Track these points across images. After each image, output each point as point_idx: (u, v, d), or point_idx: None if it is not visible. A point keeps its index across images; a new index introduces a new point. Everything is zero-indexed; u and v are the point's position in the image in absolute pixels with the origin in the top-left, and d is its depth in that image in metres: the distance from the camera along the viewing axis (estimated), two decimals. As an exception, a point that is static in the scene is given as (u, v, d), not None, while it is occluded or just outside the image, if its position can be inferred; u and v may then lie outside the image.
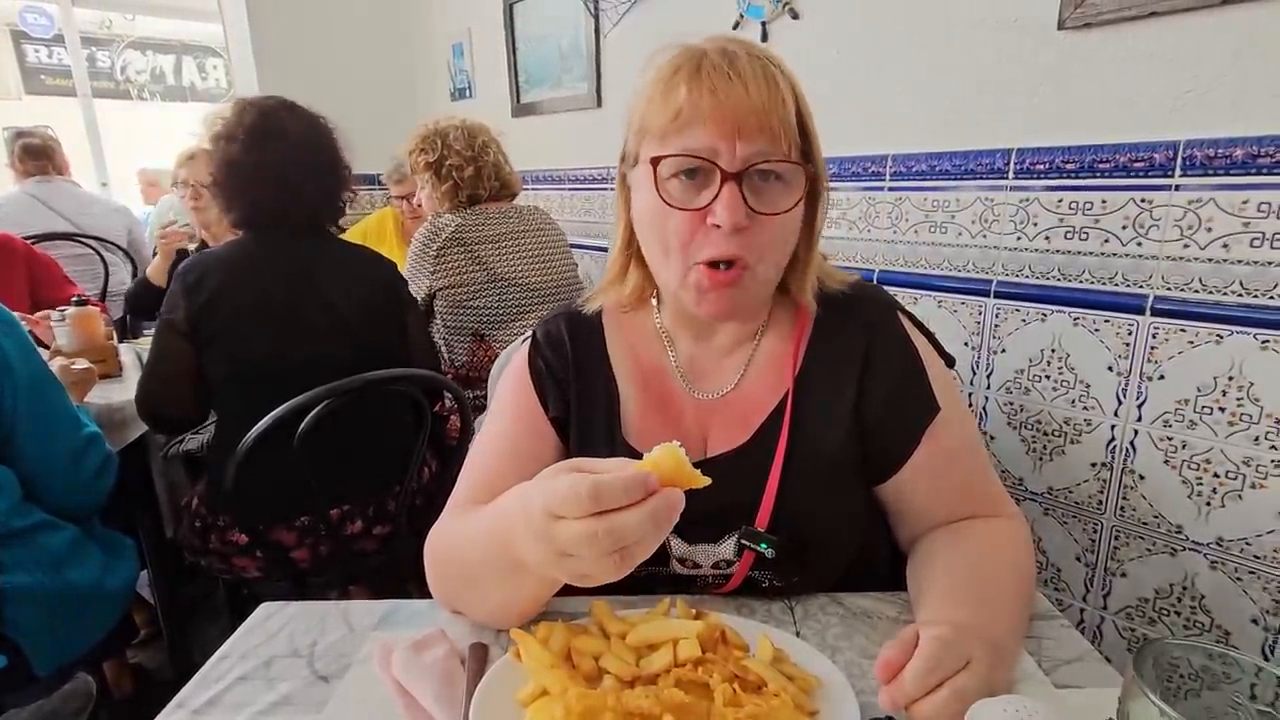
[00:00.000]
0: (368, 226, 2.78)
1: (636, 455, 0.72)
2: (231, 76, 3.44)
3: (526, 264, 1.92)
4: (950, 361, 0.78)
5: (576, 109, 2.49)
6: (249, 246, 1.41)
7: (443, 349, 1.94)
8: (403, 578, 1.58)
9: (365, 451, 1.43)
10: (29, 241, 2.25)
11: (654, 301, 0.80)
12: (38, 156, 2.69)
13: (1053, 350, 1.29)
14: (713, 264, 0.66)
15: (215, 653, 0.68)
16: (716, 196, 0.63)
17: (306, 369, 1.31)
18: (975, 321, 1.39)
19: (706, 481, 0.49)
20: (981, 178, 1.35)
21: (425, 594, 0.74)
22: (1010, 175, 1.31)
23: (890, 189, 1.51)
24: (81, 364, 1.50)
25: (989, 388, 1.39)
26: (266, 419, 1.22)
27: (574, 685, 0.56)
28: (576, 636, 0.62)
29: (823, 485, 0.70)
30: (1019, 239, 1.31)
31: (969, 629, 0.54)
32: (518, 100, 2.77)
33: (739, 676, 0.57)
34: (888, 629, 0.69)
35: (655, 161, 0.65)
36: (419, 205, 2.58)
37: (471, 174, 1.87)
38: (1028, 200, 1.29)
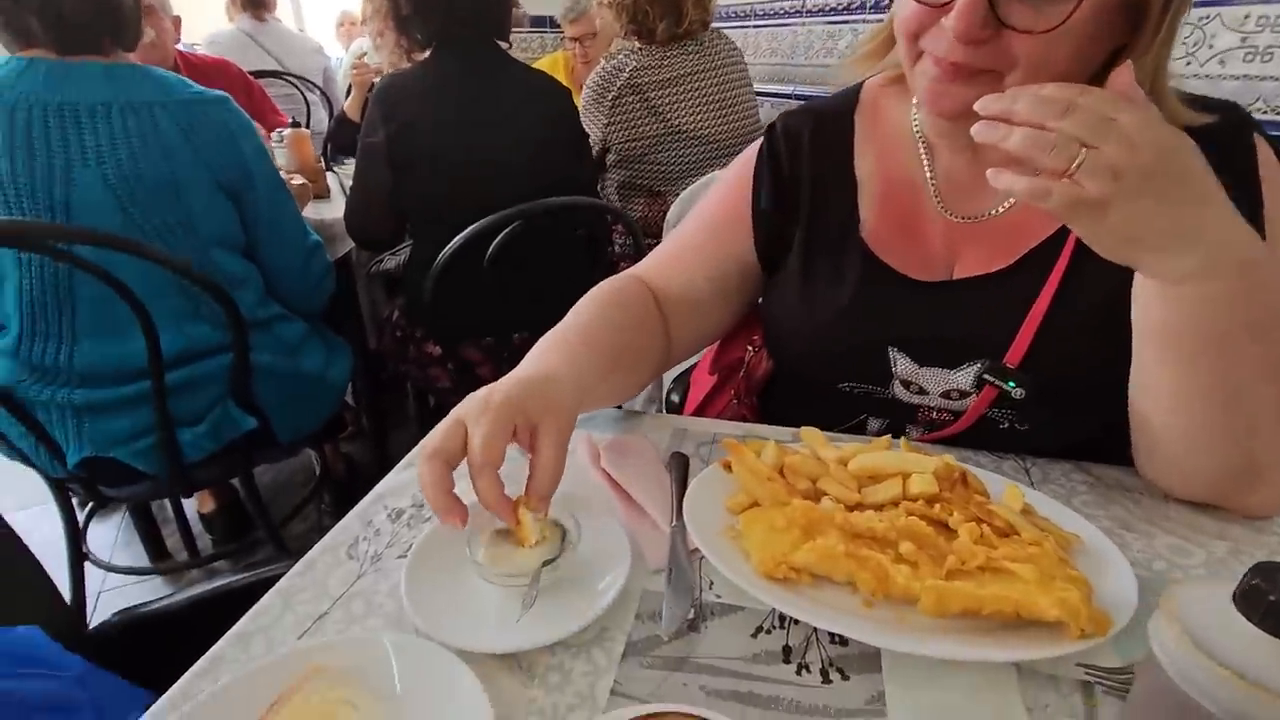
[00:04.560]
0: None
1: (873, 259, 0.65)
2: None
3: (706, 112, 1.77)
4: None
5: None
6: (437, 70, 1.40)
7: (616, 205, 1.90)
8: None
9: (544, 282, 1.45)
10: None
11: (915, 100, 0.67)
12: (255, -12, 2.85)
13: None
14: None
15: (413, 449, 0.72)
16: None
17: (492, 194, 1.32)
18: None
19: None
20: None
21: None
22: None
23: (1193, 5, 1.17)
24: (299, 180, 1.63)
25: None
26: (461, 236, 1.26)
27: (792, 500, 0.53)
28: (790, 456, 0.58)
29: (1098, 325, 0.58)
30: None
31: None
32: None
33: (983, 521, 0.51)
34: (1156, 506, 0.59)
35: None
36: (591, 45, 2.47)
37: (661, 24, 1.69)
38: None
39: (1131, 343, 0.57)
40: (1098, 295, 0.58)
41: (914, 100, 0.67)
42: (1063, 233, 0.60)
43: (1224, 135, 0.57)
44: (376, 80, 2.43)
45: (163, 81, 1.10)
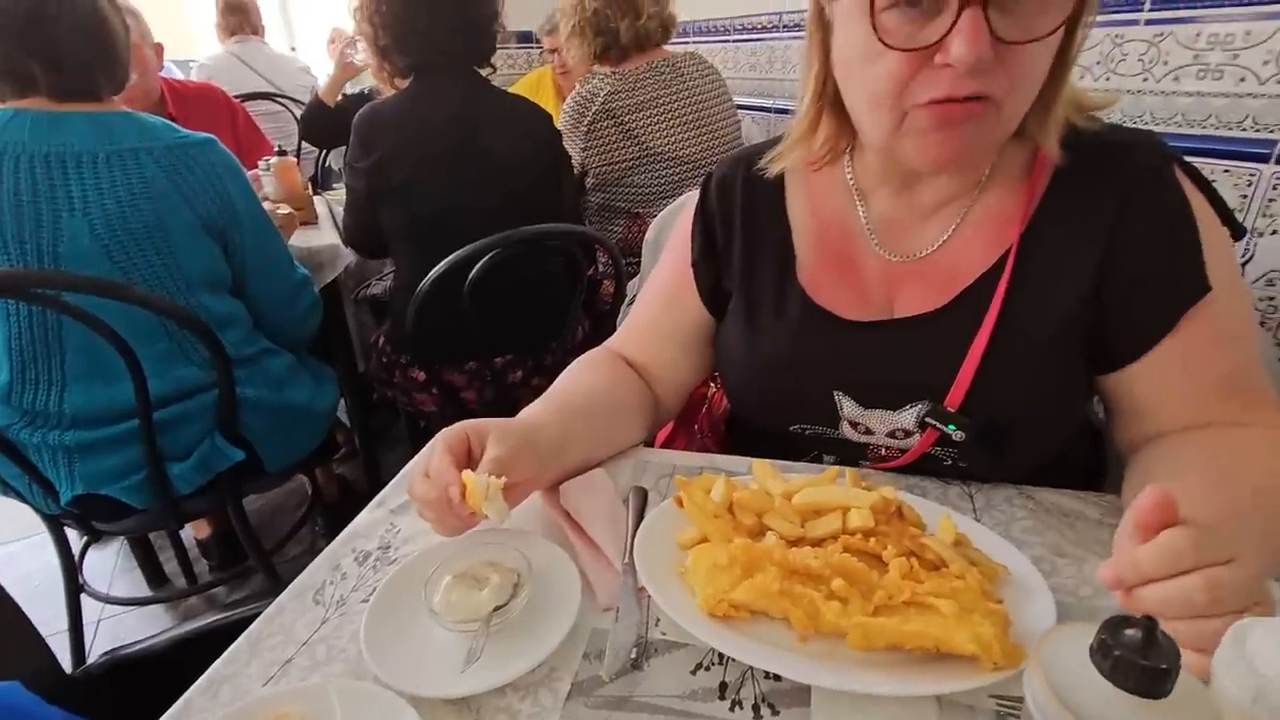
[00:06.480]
0: (525, 86, 2.75)
1: (811, 304, 0.67)
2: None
3: (682, 133, 1.79)
4: (1239, 232, 0.62)
5: (749, -57, 2.21)
6: (415, 100, 1.43)
7: (596, 226, 1.93)
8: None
9: (525, 305, 1.48)
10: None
11: (846, 155, 0.70)
12: (236, 12, 2.88)
13: (1348, 234, 1.02)
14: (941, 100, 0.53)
15: (403, 468, 0.76)
16: (952, 27, 0.48)
17: (471, 223, 1.35)
18: (1241, 195, 1.12)
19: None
20: (1289, 1, 1.03)
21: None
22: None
23: (1148, 22, 1.20)
24: (285, 209, 1.66)
25: (1245, 277, 1.14)
26: (439, 267, 1.29)
27: (736, 536, 0.56)
28: (739, 491, 0.61)
29: (1037, 364, 0.61)
30: (1331, 85, 1.01)
31: (1233, 517, 0.43)
32: (683, -63, 2.50)
33: (915, 554, 0.53)
34: (1089, 530, 0.61)
35: None
36: (567, 60, 2.49)
37: (623, 24, 1.72)
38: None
39: (1069, 382, 0.61)
40: (1033, 334, 0.60)
41: (846, 156, 0.69)
42: (996, 270, 0.63)
43: (1144, 168, 0.60)
44: (359, 66, 2.34)
45: (148, 127, 1.13)
